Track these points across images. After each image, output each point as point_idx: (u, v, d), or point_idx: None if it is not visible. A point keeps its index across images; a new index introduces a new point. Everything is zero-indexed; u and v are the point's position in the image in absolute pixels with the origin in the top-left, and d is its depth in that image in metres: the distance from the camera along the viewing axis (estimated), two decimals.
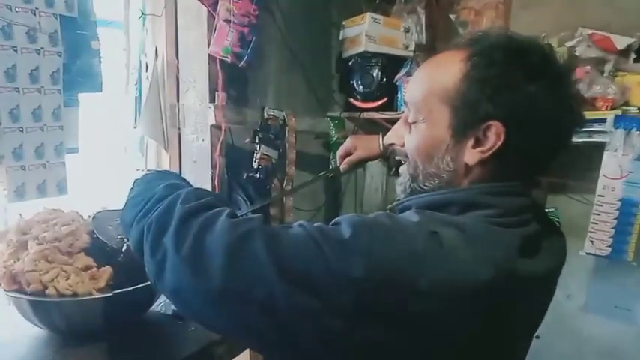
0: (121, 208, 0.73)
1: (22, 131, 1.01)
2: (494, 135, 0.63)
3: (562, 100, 0.65)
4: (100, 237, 0.83)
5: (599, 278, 1.78)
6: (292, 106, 1.87)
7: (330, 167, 1.96)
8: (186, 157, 1.61)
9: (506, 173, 0.67)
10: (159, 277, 0.60)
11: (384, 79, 1.90)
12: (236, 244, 0.56)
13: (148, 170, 0.82)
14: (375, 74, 1.86)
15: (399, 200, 0.74)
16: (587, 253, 1.54)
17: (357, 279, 0.53)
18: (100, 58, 1.13)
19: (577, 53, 1.67)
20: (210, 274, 0.56)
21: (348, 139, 1.29)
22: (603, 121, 1.50)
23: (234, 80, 1.61)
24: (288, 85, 1.90)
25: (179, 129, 1.60)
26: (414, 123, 0.71)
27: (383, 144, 0.86)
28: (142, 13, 1.65)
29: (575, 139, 1.58)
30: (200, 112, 1.55)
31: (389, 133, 0.78)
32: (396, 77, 1.91)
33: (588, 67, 1.62)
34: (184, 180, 0.78)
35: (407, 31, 1.95)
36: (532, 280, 0.64)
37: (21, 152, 1.01)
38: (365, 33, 1.85)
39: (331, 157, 2.03)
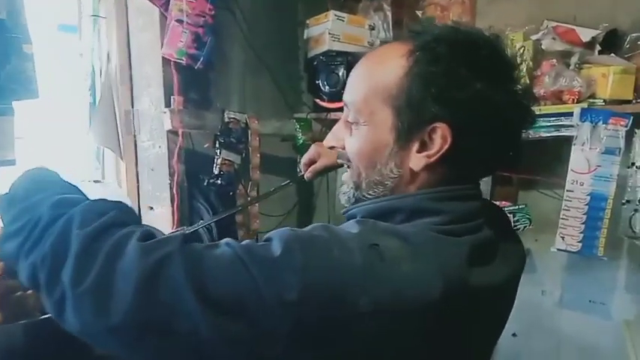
0: None
1: None
2: (441, 138, 0.59)
3: (511, 97, 0.60)
4: None
5: (573, 273, 1.76)
6: (258, 108, 1.81)
7: (298, 170, 1.91)
8: (142, 164, 1.54)
9: (455, 176, 0.62)
10: (61, 318, 0.51)
11: None
12: (151, 271, 0.48)
13: (18, 176, 0.63)
14: (340, 73, 1.81)
15: (346, 208, 0.69)
16: (559, 249, 1.51)
17: (290, 302, 0.47)
18: (33, 62, 1.05)
19: (543, 46, 1.65)
20: (119, 308, 0.48)
21: (312, 146, 1.23)
22: (570, 114, 1.47)
23: (192, 83, 1.55)
24: (253, 86, 1.84)
25: (134, 136, 1.53)
26: (355, 124, 0.65)
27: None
28: (94, 16, 1.58)
29: (544, 134, 1.57)
30: (155, 118, 1.48)
31: (328, 135, 0.72)
32: None
33: (554, 61, 1.60)
34: (67, 183, 0.63)
35: (372, 28, 1.91)
36: (487, 290, 0.59)
37: None
38: (328, 31, 1.81)
39: (298, 160, 1.98)
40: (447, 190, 0.61)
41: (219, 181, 1.57)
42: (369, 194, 0.65)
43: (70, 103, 1.64)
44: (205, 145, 1.57)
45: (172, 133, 1.46)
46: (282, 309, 0.47)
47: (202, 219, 1.56)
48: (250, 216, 1.71)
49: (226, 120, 1.58)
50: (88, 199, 0.60)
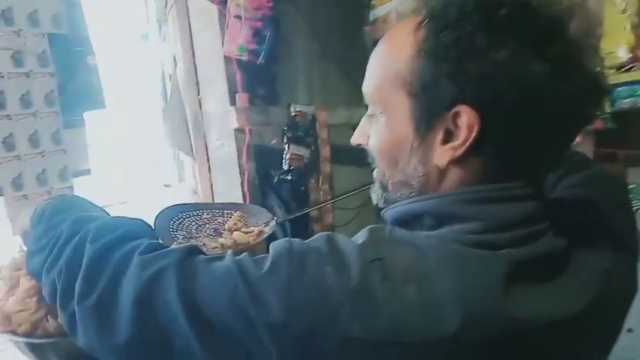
0: (27, 253, 0.62)
1: (20, 159, 0.98)
2: (465, 125, 0.46)
3: (558, 61, 0.45)
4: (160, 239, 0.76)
5: None
6: (325, 98, 1.76)
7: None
8: (214, 164, 1.55)
9: (499, 172, 0.49)
10: (73, 334, 0.51)
11: None
12: (146, 286, 0.46)
13: (47, 200, 0.66)
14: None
15: (382, 210, 0.59)
16: None
17: (275, 324, 0.42)
18: (97, 73, 1.08)
19: None
20: (121, 324, 0.46)
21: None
22: None
23: (256, 79, 1.52)
24: (319, 76, 1.78)
25: (204, 136, 1.54)
26: (374, 117, 0.55)
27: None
28: (158, 22, 1.61)
29: None
30: (222, 117, 1.48)
31: (355, 131, 0.61)
32: None
33: None
34: (93, 205, 0.66)
35: None
36: (540, 326, 0.45)
37: (20, 181, 0.98)
38: (395, 10, 1.69)
39: None
40: (484, 189, 0.49)
41: (289, 177, 1.54)
42: (397, 196, 0.55)
43: (149, 108, 1.70)
44: (273, 141, 1.54)
45: (239, 131, 1.45)
46: (268, 331, 0.43)
47: (275, 215, 1.54)
48: (325, 210, 1.67)
49: (292, 113, 1.54)
50: (108, 216, 0.61)
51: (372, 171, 0.59)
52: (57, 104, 1.01)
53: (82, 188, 1.12)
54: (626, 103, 1.32)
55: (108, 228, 0.54)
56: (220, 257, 0.49)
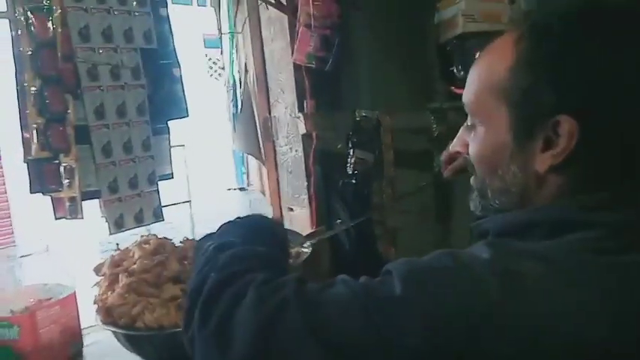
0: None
1: (115, 165, 1.07)
2: (566, 133, 0.49)
3: None
4: None
5: None
6: (390, 102, 1.76)
7: (434, 166, 1.81)
8: (282, 168, 1.60)
9: (597, 178, 0.50)
10: (192, 356, 0.53)
11: None
12: (268, 319, 0.48)
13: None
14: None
15: (477, 222, 0.61)
16: None
17: (414, 348, 0.43)
18: (182, 84, 1.15)
19: None
20: (238, 356, 0.47)
21: (455, 140, 1.14)
22: None
23: (323, 85, 1.56)
24: (384, 81, 1.79)
25: (273, 141, 1.60)
26: (473, 126, 0.59)
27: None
28: (231, 32, 1.69)
29: None
30: (291, 123, 1.53)
31: (454, 139, 0.67)
32: None
33: None
34: (254, 228, 0.68)
35: (512, 1, 1.72)
36: None
37: (115, 185, 1.07)
38: (461, 12, 1.67)
39: (435, 153, 1.88)
40: (596, 197, 0.50)
41: (353, 181, 1.56)
42: (496, 203, 0.58)
43: (216, 116, 1.78)
44: (339, 146, 1.57)
45: (307, 136, 1.49)
46: (406, 354, 0.43)
47: (339, 219, 1.57)
48: (387, 213, 1.68)
49: (357, 118, 1.56)
50: (262, 244, 0.63)
51: (470, 179, 0.63)
52: (147, 114, 1.10)
53: (164, 191, 1.20)
54: None
55: (237, 258, 0.57)
56: (331, 283, 0.50)
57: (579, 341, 0.42)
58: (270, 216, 0.78)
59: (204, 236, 0.69)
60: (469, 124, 0.61)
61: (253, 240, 0.65)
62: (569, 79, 0.48)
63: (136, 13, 1.08)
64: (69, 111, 1.06)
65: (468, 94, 0.60)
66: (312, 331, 0.45)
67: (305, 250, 0.91)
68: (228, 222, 0.70)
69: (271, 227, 0.72)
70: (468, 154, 0.62)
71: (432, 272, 0.47)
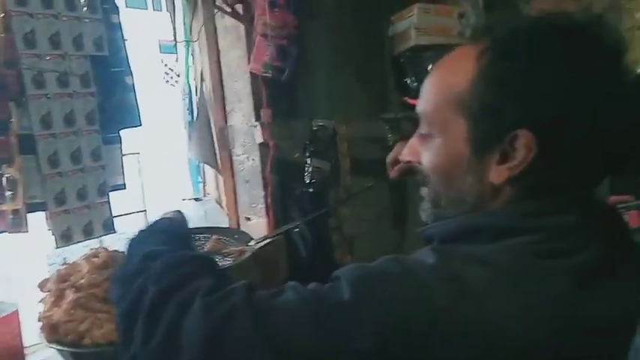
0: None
1: (62, 176, 1.03)
2: (524, 147, 0.50)
3: (614, 91, 0.50)
4: None
5: None
6: (346, 111, 1.79)
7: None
8: (239, 177, 1.59)
9: (548, 188, 0.53)
10: None
11: None
12: (216, 328, 0.47)
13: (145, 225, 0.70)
14: (428, 68, 1.72)
15: (423, 227, 0.62)
16: None
17: (364, 352, 0.44)
18: (135, 92, 1.13)
19: None
20: None
21: (398, 144, 1.18)
22: None
23: (280, 95, 1.57)
24: (340, 91, 1.82)
25: (230, 150, 1.59)
26: (429, 136, 0.59)
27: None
28: (186, 40, 1.67)
29: None
30: (248, 132, 1.53)
31: (404, 148, 0.66)
32: None
33: None
34: (174, 233, 0.67)
35: (461, 16, 1.79)
36: (604, 322, 0.49)
37: (63, 197, 1.03)
38: (414, 26, 1.73)
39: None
40: (539, 203, 0.53)
41: (310, 189, 1.57)
42: (450, 212, 0.59)
43: (171, 123, 1.75)
44: (296, 155, 1.58)
45: (264, 145, 1.49)
46: (357, 357, 0.44)
47: (297, 228, 1.57)
48: (344, 220, 1.70)
49: (314, 128, 1.58)
50: (186, 246, 0.63)
51: (420, 189, 0.63)
52: (97, 122, 1.07)
53: (116, 202, 1.17)
54: None
55: (172, 265, 0.56)
56: (282, 290, 0.50)
57: (527, 344, 0.44)
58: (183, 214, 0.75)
59: (128, 247, 0.65)
60: (423, 133, 0.61)
61: (176, 244, 0.64)
62: (528, 95, 0.50)
63: (86, 20, 1.04)
64: (12, 120, 1.01)
65: (424, 104, 0.60)
66: (263, 339, 0.46)
67: (248, 248, 0.91)
68: (142, 231, 0.67)
69: (181, 226, 0.71)
70: (419, 163, 0.62)
71: (379, 277, 0.48)
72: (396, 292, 0.46)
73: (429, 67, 1.77)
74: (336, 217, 1.69)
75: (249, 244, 0.92)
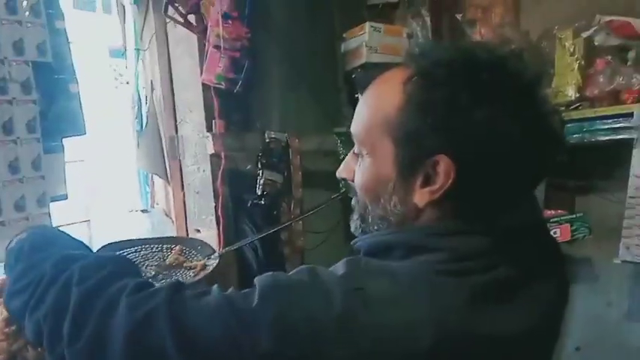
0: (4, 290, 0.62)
1: None
2: (443, 172, 0.54)
3: (527, 123, 0.53)
4: None
5: None
6: (298, 125, 1.81)
7: (340, 187, 1.88)
8: (188, 188, 1.57)
9: (468, 211, 0.56)
10: None
11: None
12: (138, 326, 0.50)
13: (22, 232, 0.66)
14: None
15: (354, 240, 0.65)
16: (623, 261, 1.40)
17: (264, 354, 0.47)
18: (79, 100, 1.10)
19: (596, 43, 1.55)
20: None
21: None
22: (630, 115, 1.36)
23: (232, 106, 1.57)
24: (293, 104, 1.84)
25: (180, 160, 1.56)
26: (360, 156, 0.62)
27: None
28: (136, 48, 1.64)
29: (601, 138, 1.46)
30: (199, 142, 1.51)
31: (341, 165, 0.69)
32: None
33: (609, 58, 1.50)
34: (72, 238, 0.67)
35: (410, 36, 1.87)
36: (499, 340, 0.52)
37: None
38: (365, 44, 1.78)
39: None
40: (449, 224, 0.56)
41: (262, 202, 1.57)
42: (375, 229, 0.62)
43: (119, 131, 1.71)
44: (248, 167, 1.58)
45: (215, 156, 1.48)
46: None
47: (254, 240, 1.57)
48: (295, 234, 1.71)
49: (267, 140, 1.59)
50: (91, 253, 0.63)
51: (351, 201, 0.66)
52: (38, 131, 1.02)
53: (58, 213, 1.13)
54: (574, 139, 1.44)
55: (93, 268, 0.56)
56: (207, 292, 0.53)
57: (412, 353, 0.48)
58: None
59: (15, 252, 0.63)
60: (356, 152, 0.63)
61: (81, 247, 0.65)
62: (447, 123, 0.53)
63: (29, 24, 1.00)
64: None
65: (356, 125, 0.62)
66: (175, 337, 0.48)
67: (211, 262, 0.90)
68: (29, 237, 0.65)
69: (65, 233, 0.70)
70: (352, 180, 0.65)
71: (287, 285, 0.52)
72: (299, 299, 0.50)
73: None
74: (288, 230, 1.70)
75: (211, 257, 0.90)
